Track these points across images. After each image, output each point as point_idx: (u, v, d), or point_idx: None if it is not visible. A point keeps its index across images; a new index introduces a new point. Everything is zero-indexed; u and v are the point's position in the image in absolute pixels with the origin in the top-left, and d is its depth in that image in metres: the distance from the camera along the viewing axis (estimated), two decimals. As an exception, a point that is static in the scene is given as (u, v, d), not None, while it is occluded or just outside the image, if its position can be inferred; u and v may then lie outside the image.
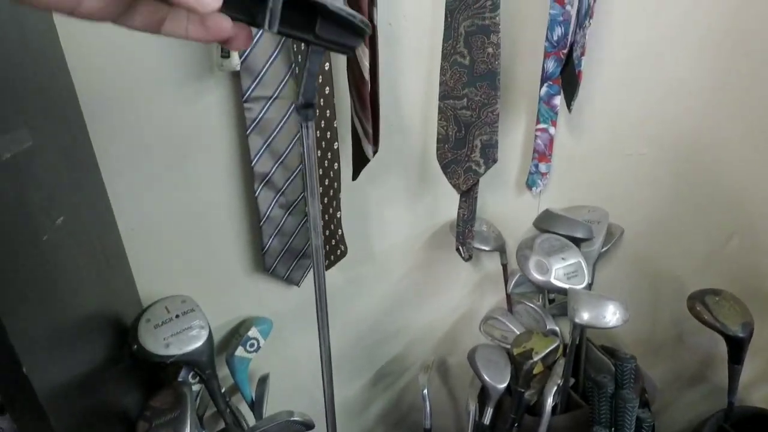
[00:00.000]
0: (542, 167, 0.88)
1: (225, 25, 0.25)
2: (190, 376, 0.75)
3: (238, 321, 0.88)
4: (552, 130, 0.85)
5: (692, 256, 0.98)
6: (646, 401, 0.90)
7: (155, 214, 0.75)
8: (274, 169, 0.76)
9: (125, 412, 0.63)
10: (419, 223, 0.91)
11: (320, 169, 0.74)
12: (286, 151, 0.75)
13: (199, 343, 0.65)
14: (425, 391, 0.89)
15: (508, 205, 0.92)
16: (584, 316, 0.65)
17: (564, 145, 0.88)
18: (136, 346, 0.63)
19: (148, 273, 0.76)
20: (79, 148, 0.63)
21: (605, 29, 0.77)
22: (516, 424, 0.82)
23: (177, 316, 0.67)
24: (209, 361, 0.67)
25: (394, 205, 0.88)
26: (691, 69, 0.81)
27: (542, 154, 0.87)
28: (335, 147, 0.70)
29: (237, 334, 0.84)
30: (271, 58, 0.68)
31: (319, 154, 0.73)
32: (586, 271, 0.73)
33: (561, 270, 0.72)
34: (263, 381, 0.86)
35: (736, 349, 0.73)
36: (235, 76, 0.69)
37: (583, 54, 0.75)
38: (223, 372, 0.87)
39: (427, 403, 0.89)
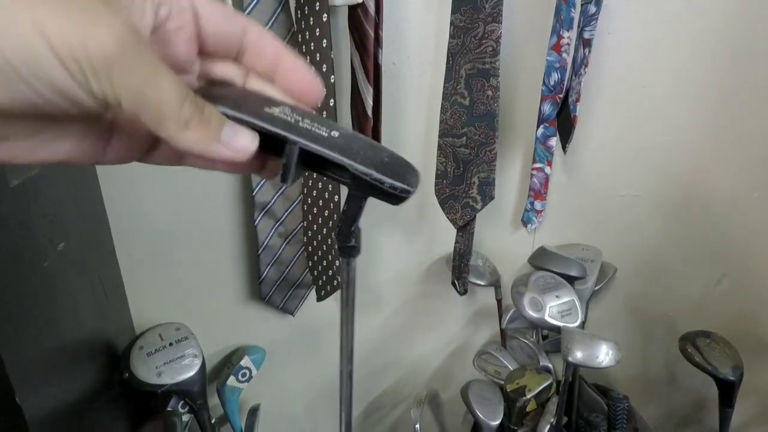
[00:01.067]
0: (537, 205, 0.90)
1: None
2: (180, 405, 0.74)
3: (231, 349, 0.87)
4: (548, 169, 0.88)
5: (684, 297, 1.00)
6: (639, 443, 0.90)
7: (154, 241, 0.75)
8: (274, 199, 0.77)
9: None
10: (415, 256, 0.92)
11: (320, 200, 0.75)
12: (288, 182, 0.76)
13: (191, 373, 0.64)
14: (417, 426, 0.88)
15: (503, 240, 0.94)
16: (578, 355, 0.66)
17: (559, 184, 0.90)
18: (127, 374, 0.62)
19: (144, 299, 0.76)
20: (82, 172, 0.64)
21: (603, 75, 0.81)
22: (508, 464, 0.81)
23: (170, 344, 0.66)
24: (201, 391, 0.66)
25: (392, 238, 0.89)
26: (684, 117, 0.84)
27: (538, 192, 0.89)
28: (336, 180, 0.71)
29: (229, 363, 0.83)
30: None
31: (320, 185, 0.74)
32: (579, 310, 0.74)
33: (555, 308, 0.73)
34: (254, 412, 0.85)
35: (727, 391, 0.74)
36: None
37: (578, 100, 0.77)
38: (213, 401, 0.85)
39: (419, 438, 0.87)
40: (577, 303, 0.74)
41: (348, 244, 0.28)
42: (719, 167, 0.89)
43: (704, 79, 0.81)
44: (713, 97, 0.83)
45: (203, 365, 0.66)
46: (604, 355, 0.66)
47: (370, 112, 0.69)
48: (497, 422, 0.80)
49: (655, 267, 0.97)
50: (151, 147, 0.25)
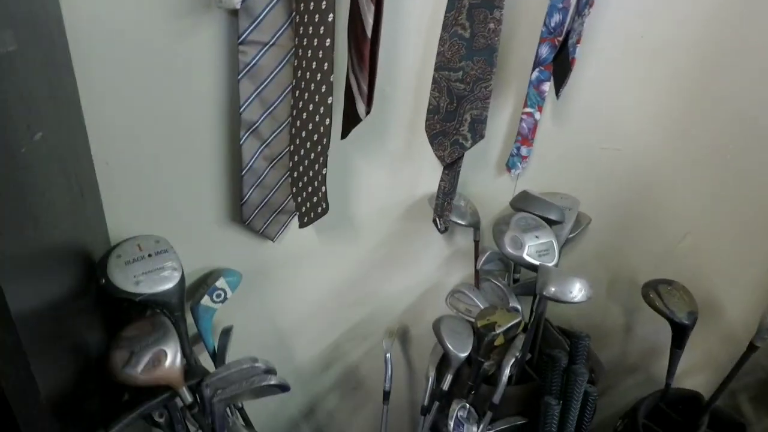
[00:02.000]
0: (524, 150, 0.91)
1: None
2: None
3: (207, 271, 0.86)
4: (537, 115, 0.88)
5: (648, 252, 1.05)
6: (593, 379, 0.96)
7: (132, 149, 0.72)
8: (262, 119, 0.74)
9: (90, 345, 0.62)
10: (399, 192, 0.92)
11: (310, 124, 0.73)
12: (277, 102, 0.74)
13: (170, 285, 0.64)
14: (388, 355, 0.91)
15: (486, 184, 0.95)
16: (552, 290, 0.69)
17: (546, 132, 0.90)
18: (104, 281, 0.61)
19: (120, 210, 0.73)
20: (60, 66, 0.59)
21: (602, 21, 0.80)
22: (473, 392, 0.85)
23: (150, 255, 0.65)
24: (179, 303, 0.66)
25: (377, 171, 0.88)
26: (680, 71, 0.85)
27: (525, 137, 0.90)
28: (329, 102, 0.69)
29: (204, 283, 0.83)
30: (272, 2, 0.66)
31: (311, 108, 0.72)
32: (556, 251, 0.77)
33: (534, 247, 0.75)
34: (226, 333, 0.85)
35: (680, 334, 0.80)
36: (233, 15, 0.67)
37: (579, 42, 0.77)
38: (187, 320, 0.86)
39: (389, 366, 0.91)
40: (555, 245, 0.76)
41: None
42: (695, 127, 0.91)
43: (702, 37, 0.82)
44: (706, 57, 0.84)
45: (182, 279, 0.66)
46: (577, 291, 0.69)
47: (369, 32, 0.66)
48: (465, 354, 0.84)
49: (626, 221, 1.01)
50: None
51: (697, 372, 1.09)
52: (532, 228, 0.77)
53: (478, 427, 0.86)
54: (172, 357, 0.60)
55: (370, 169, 0.88)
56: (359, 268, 0.98)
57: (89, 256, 0.65)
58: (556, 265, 0.78)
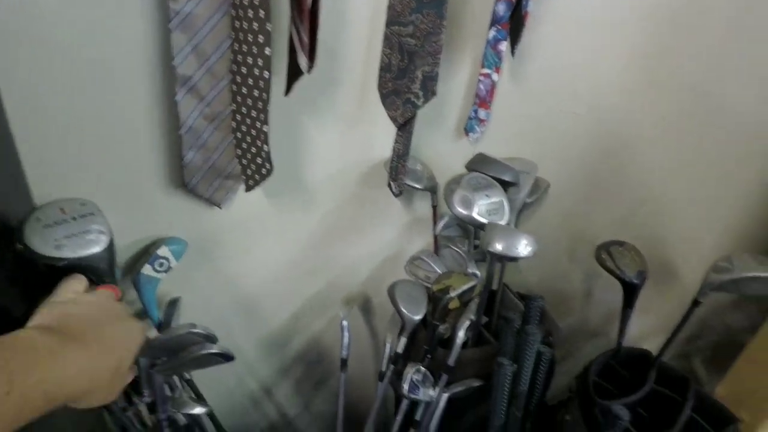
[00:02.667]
0: (482, 113, 0.88)
1: None
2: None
3: (150, 240, 0.82)
4: (495, 76, 0.85)
5: (607, 218, 1.05)
6: (550, 342, 0.97)
7: (54, 107, 0.66)
8: (198, 74, 0.70)
9: (11, 315, 0.58)
10: (353, 155, 0.88)
11: (250, 78, 0.68)
12: (214, 55, 0.69)
13: (97, 248, 0.60)
14: (345, 323, 0.90)
15: (444, 148, 0.92)
16: (498, 247, 0.67)
17: (505, 94, 0.88)
18: (21, 246, 0.57)
19: (45, 174, 0.68)
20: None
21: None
22: (429, 356, 0.85)
23: (74, 219, 0.60)
24: (109, 269, 0.62)
25: (329, 133, 0.84)
26: (640, 34, 0.83)
27: (483, 100, 0.87)
28: (266, 53, 0.65)
29: (147, 252, 0.79)
30: (203, -57, 0.61)
31: (249, 61, 0.67)
32: (507, 210, 0.75)
33: (484, 206, 0.73)
34: (173, 303, 0.82)
35: (630, 294, 0.80)
36: (160, -43, 0.62)
37: (532, -7, 0.74)
38: (131, 295, 0.82)
39: (346, 333, 0.89)
40: (506, 204, 0.75)
41: None
42: (654, 94, 0.90)
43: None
44: (671, 16, 0.82)
45: (111, 243, 0.62)
46: (523, 247, 0.68)
47: (307, -22, 0.62)
48: (419, 317, 0.83)
49: (585, 186, 1.00)
50: None
51: (655, 335, 1.10)
52: (482, 187, 0.75)
53: (434, 390, 0.85)
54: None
55: (322, 131, 0.84)
56: (315, 236, 0.95)
57: (9, 220, 0.60)
58: (507, 224, 0.76)
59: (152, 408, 0.75)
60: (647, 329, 1.16)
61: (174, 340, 0.62)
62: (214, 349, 0.62)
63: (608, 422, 0.68)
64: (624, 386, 0.83)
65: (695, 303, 0.77)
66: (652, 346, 1.11)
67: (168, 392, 0.76)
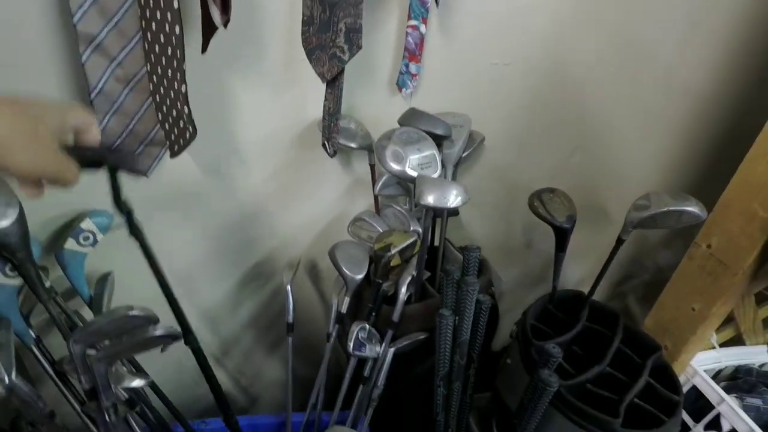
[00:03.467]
0: (412, 67, 0.88)
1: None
2: (7, 269, 0.66)
3: (73, 215, 0.78)
4: (423, 28, 0.84)
5: (542, 168, 1.08)
6: (492, 293, 1.00)
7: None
8: (104, 33, 0.65)
9: None
10: (285, 117, 0.86)
11: (161, 35, 0.65)
12: (119, 10, 0.64)
13: (5, 222, 0.56)
14: (288, 287, 0.89)
15: (378, 105, 0.91)
16: (429, 199, 0.68)
17: (435, 47, 0.87)
18: None
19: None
20: None
21: None
22: (373, 313, 0.86)
23: (-26, 192, 0.56)
24: (22, 243, 0.58)
25: (256, 93, 0.81)
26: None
27: (412, 53, 0.86)
28: (175, 6, 0.61)
29: (69, 227, 0.75)
30: None
31: (158, 16, 0.63)
32: (439, 163, 0.76)
33: (416, 160, 0.74)
34: (103, 279, 0.79)
35: (562, 238, 0.83)
36: None
37: (449, -62, 0.73)
38: (56, 272, 0.78)
39: (290, 297, 0.89)
40: (437, 157, 0.76)
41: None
42: (580, 40, 0.92)
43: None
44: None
45: (21, 215, 0.58)
46: (454, 197, 0.69)
47: None
48: (361, 276, 0.83)
49: (519, 137, 1.03)
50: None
51: (592, 278, 1.17)
52: (414, 141, 0.76)
53: (380, 347, 0.87)
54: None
55: (249, 91, 0.81)
56: (253, 202, 0.93)
57: None
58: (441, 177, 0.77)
59: (92, 395, 0.72)
60: (586, 273, 1.22)
61: (112, 324, 0.60)
62: (159, 331, 0.60)
63: (542, 360, 0.72)
64: (561, 327, 0.88)
65: (619, 241, 0.81)
66: (576, 285, 1.17)
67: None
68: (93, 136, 0.50)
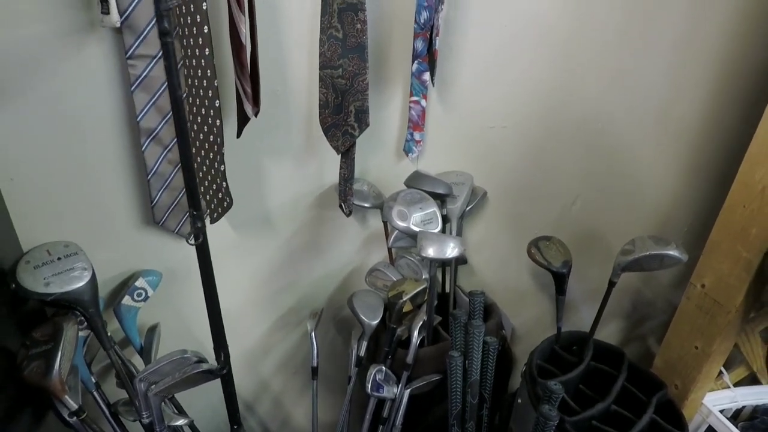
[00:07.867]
0: (416, 135, 1.00)
1: None
2: (78, 322, 0.78)
3: (128, 274, 0.91)
4: (423, 102, 0.97)
5: (546, 216, 1.16)
6: (504, 336, 1.06)
7: (35, 165, 0.77)
8: (160, 126, 0.81)
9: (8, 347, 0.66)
10: (307, 183, 0.99)
11: (204, 126, 0.80)
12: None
13: (81, 283, 0.69)
14: (312, 334, 0.99)
15: (388, 169, 1.04)
16: (430, 251, 0.78)
17: (437, 117, 1.00)
18: (14, 285, 0.66)
19: (31, 222, 0.78)
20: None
21: (467, 14, 0.90)
22: (390, 356, 0.94)
23: (59, 259, 0.70)
24: (92, 300, 0.71)
25: (283, 165, 0.96)
26: (538, 57, 0.96)
27: (416, 123, 0.99)
28: (216, 105, 0.76)
29: (125, 285, 0.88)
30: (154, 18, 0.73)
31: (203, 112, 0.79)
32: (439, 219, 0.86)
33: (419, 217, 0.84)
34: (152, 330, 0.91)
35: (560, 281, 0.90)
36: (119, 32, 0.74)
37: (437, 35, 0.87)
38: (114, 324, 0.91)
39: (314, 343, 0.98)
40: (438, 214, 0.86)
41: None
42: (573, 99, 1.03)
43: (552, 25, 0.94)
44: (562, 41, 0.96)
45: (93, 277, 0.71)
46: (451, 249, 0.78)
47: (244, 40, 0.74)
48: (377, 321, 0.92)
49: (521, 190, 1.12)
50: None
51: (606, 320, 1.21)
52: (416, 201, 0.86)
53: (397, 388, 0.94)
54: (52, 369, 0.65)
55: (277, 164, 0.95)
56: (279, 258, 1.05)
57: (1, 266, 0.70)
58: (443, 231, 0.87)
59: (149, 428, 0.83)
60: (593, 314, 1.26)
61: (168, 366, 0.71)
62: (205, 367, 0.71)
63: (545, 397, 0.77)
64: (567, 367, 0.93)
65: (611, 284, 0.88)
66: (600, 329, 1.21)
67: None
68: None
